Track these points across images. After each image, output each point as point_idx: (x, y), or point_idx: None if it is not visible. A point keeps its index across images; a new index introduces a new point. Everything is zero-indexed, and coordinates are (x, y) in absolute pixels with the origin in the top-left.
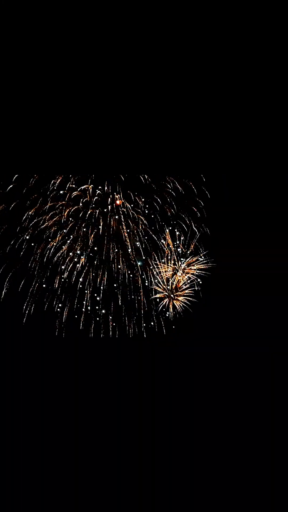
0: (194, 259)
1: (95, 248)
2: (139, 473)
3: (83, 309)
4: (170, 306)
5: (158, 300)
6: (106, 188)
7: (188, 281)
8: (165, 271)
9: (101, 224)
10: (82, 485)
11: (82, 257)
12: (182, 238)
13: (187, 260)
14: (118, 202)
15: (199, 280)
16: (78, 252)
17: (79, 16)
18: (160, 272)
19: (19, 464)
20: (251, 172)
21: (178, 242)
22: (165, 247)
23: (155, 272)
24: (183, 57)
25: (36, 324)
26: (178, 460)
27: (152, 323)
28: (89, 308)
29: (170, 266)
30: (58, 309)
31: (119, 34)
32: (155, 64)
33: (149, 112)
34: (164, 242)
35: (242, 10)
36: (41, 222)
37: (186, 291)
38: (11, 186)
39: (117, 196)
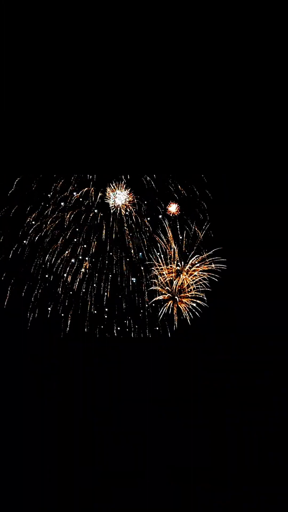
0: (197, 261)
1: (98, 252)
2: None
3: (87, 313)
4: (175, 308)
5: (162, 302)
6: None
7: (192, 283)
8: (169, 273)
9: (104, 228)
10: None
11: (85, 261)
12: (185, 240)
13: (190, 261)
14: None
15: (203, 281)
16: (80, 257)
17: (79, 16)
18: (163, 274)
19: (19, 470)
20: (251, 172)
21: (181, 243)
22: (168, 249)
23: (158, 274)
24: (183, 58)
25: (40, 328)
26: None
27: (157, 327)
28: (93, 312)
29: (174, 267)
30: (62, 314)
31: (119, 34)
32: (155, 65)
33: (149, 113)
34: (167, 245)
35: (242, 10)
36: (43, 226)
37: (190, 293)
38: (12, 190)
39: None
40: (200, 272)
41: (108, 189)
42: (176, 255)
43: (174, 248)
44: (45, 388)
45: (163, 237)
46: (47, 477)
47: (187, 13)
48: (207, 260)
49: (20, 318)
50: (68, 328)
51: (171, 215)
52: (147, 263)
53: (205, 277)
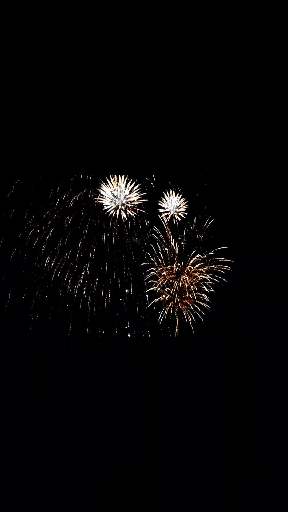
0: (197, 261)
1: (97, 255)
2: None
3: (88, 316)
4: (176, 310)
5: (162, 304)
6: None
7: (193, 284)
8: (168, 274)
9: (104, 230)
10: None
11: (86, 262)
12: (184, 241)
13: (191, 262)
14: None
15: (204, 283)
16: (79, 260)
17: (79, 16)
18: (163, 275)
19: (19, 474)
20: (251, 172)
21: (181, 244)
22: (168, 250)
23: (158, 275)
24: (183, 59)
25: (41, 330)
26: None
27: (160, 328)
28: (94, 314)
29: (174, 268)
30: (63, 316)
31: (119, 34)
32: (154, 65)
33: (148, 113)
34: (167, 246)
35: (242, 9)
36: (43, 228)
37: (191, 294)
38: (11, 191)
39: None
40: (200, 274)
41: (106, 189)
42: (176, 255)
43: (174, 249)
44: (46, 389)
45: (162, 238)
46: (46, 481)
47: (187, 12)
48: (208, 261)
49: (21, 320)
50: (69, 330)
51: (171, 215)
52: (146, 263)
53: (207, 278)
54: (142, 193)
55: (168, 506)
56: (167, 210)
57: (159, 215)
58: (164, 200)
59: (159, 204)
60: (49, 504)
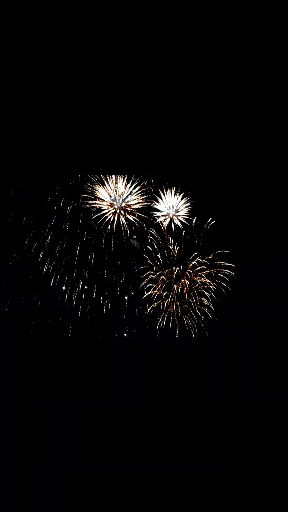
0: (197, 266)
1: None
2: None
3: (88, 319)
4: (175, 314)
5: (162, 309)
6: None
7: (193, 289)
8: (168, 279)
9: (104, 235)
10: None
11: (84, 269)
12: (182, 244)
13: (189, 265)
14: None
15: (203, 287)
16: (77, 263)
17: (79, 16)
18: (162, 280)
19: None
20: (251, 172)
21: (181, 248)
22: (168, 253)
23: (157, 280)
24: (182, 60)
25: (41, 333)
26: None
27: (158, 333)
28: (94, 317)
29: (173, 272)
30: (63, 320)
31: (120, 34)
32: (154, 66)
33: (148, 113)
34: (166, 249)
35: (242, 9)
36: (42, 231)
37: (190, 299)
38: (11, 193)
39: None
40: (200, 278)
41: (105, 193)
42: (175, 258)
43: (173, 252)
44: (47, 389)
45: (161, 241)
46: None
47: (186, 12)
48: (208, 264)
49: (22, 322)
50: (70, 333)
51: (170, 219)
52: (144, 267)
53: (207, 282)
54: (141, 196)
55: None
56: (166, 213)
57: (156, 217)
58: (163, 204)
59: (158, 208)
60: None
